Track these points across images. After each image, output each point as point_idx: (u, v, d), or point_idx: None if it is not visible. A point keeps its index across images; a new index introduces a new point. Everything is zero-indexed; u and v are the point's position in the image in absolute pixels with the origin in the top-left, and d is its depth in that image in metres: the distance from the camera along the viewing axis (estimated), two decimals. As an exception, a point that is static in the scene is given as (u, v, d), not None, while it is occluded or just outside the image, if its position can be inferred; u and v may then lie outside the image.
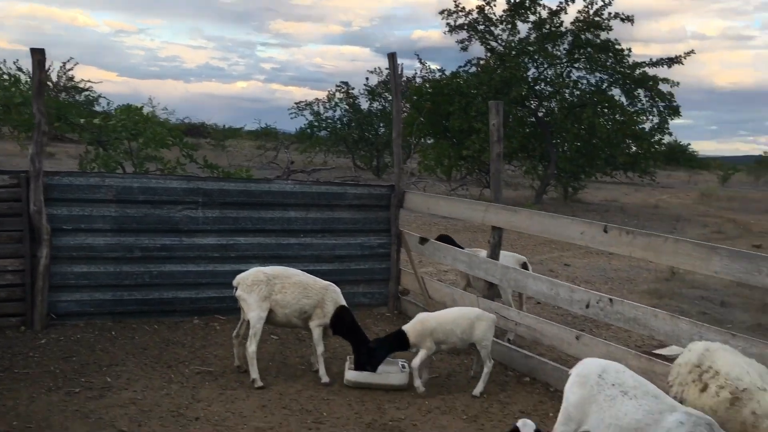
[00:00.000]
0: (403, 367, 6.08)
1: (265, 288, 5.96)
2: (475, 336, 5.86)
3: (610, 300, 5.63)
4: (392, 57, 8.00)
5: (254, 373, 5.82)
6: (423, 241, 7.97)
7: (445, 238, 8.05)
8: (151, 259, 7.39)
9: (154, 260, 7.41)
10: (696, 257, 4.99)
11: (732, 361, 4.20)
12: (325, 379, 5.97)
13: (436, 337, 5.79)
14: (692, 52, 22.14)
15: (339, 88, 32.06)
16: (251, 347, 5.83)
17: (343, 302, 6.19)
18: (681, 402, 4.16)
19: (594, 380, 4.08)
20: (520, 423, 4.08)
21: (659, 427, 3.70)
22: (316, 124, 32.29)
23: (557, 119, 22.99)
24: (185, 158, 11.98)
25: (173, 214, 7.43)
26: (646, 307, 5.45)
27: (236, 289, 6.02)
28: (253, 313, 5.92)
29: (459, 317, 5.93)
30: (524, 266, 7.30)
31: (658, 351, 7.38)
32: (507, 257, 7.16)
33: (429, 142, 27.66)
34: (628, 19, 22.37)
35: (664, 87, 22.51)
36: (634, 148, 24.49)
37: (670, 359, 7.04)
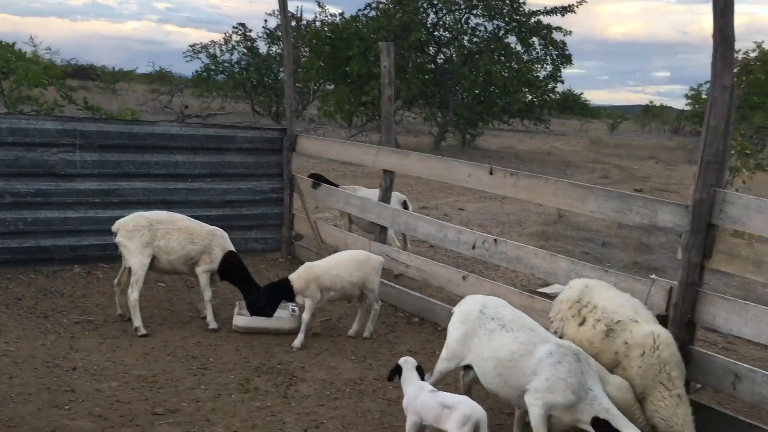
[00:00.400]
0: (293, 311, 6.05)
1: (147, 233, 5.74)
2: (362, 279, 5.85)
3: (495, 240, 5.77)
4: (282, -5, 7.73)
5: (137, 321, 5.63)
6: (315, 185, 7.89)
7: (316, 177, 7.99)
8: (24, 205, 6.94)
9: (29, 206, 6.97)
10: (574, 197, 5.17)
11: (609, 296, 4.42)
12: (213, 324, 5.87)
13: (322, 283, 5.69)
14: (584, 1, 22.70)
15: (236, 31, 30.90)
16: (133, 295, 5.63)
17: (231, 247, 6.05)
18: (561, 336, 4.36)
19: (475, 315, 4.20)
20: (401, 360, 4.14)
21: (532, 357, 3.86)
22: (212, 67, 31.09)
23: (455, 66, 23.16)
24: (64, 99, 11.25)
25: (48, 158, 6.98)
26: (528, 247, 5.63)
27: (116, 235, 5.78)
28: (135, 259, 5.71)
29: (345, 261, 5.90)
30: (404, 205, 7.43)
31: (541, 289, 7.70)
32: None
33: (329, 87, 27.28)
34: (525, -34, 22.64)
35: (557, 36, 23.07)
36: (529, 97, 25.06)
37: (552, 297, 7.37)
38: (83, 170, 7.14)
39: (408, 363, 4.11)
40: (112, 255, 7.08)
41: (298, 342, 5.59)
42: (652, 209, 4.69)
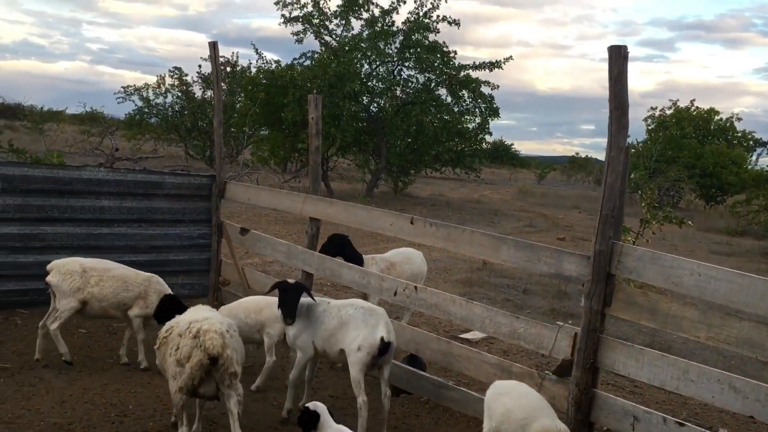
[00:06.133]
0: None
1: (79, 279, 5.89)
2: (260, 323, 5.91)
3: (415, 288, 5.98)
4: (213, 46, 7.91)
5: (63, 348, 5.85)
6: (244, 231, 7.98)
7: (340, 238, 7.20)
8: (-59, 250, 6.80)
9: (-54, 251, 6.83)
10: (487, 247, 5.45)
11: None
12: (144, 364, 6.00)
13: None
14: (510, 58, 23.71)
15: (171, 74, 30.76)
16: (53, 325, 5.81)
17: (168, 291, 6.21)
18: None
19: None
20: (311, 405, 4.25)
21: None
22: (146, 110, 30.78)
23: (388, 116, 23.69)
24: (-12, 141, 11.04)
25: (-32, 201, 6.88)
26: (445, 294, 5.85)
27: (49, 274, 5.91)
28: (64, 300, 5.84)
29: (248, 303, 6.03)
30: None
31: (463, 335, 7.96)
32: None
33: (263, 132, 27.40)
34: (455, 22, 23.54)
35: (485, 89, 23.93)
36: (462, 146, 25.71)
37: (473, 342, 7.63)
38: (5, 214, 7.04)
39: (319, 407, 4.22)
40: (32, 301, 7.04)
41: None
42: (558, 259, 5.00)
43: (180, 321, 4.61)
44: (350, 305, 5.27)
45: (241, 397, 4.51)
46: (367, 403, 4.91)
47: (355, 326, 5.08)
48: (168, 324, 4.71)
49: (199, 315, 4.61)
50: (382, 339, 4.97)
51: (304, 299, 5.35)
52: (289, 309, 5.21)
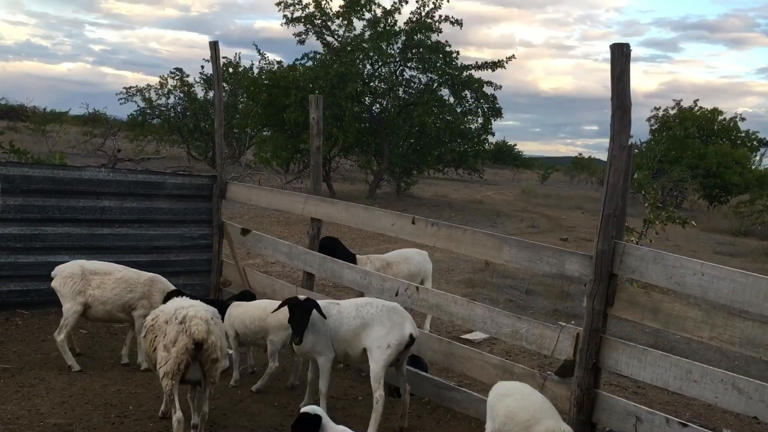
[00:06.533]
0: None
1: (80, 282, 5.87)
2: (265, 329, 5.85)
3: (417, 288, 5.95)
4: (214, 46, 7.89)
5: (69, 360, 5.81)
6: (245, 232, 7.96)
7: (331, 241, 7.17)
8: (-59, 250, 6.79)
9: (-55, 251, 6.82)
10: (489, 247, 5.42)
11: None
12: (145, 365, 5.93)
13: (232, 323, 5.84)
14: (513, 57, 23.65)
15: (173, 75, 30.73)
16: (59, 336, 5.78)
17: (171, 287, 6.18)
18: None
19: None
20: (309, 409, 4.18)
21: None
22: (148, 111, 30.75)
23: (391, 116, 23.64)
24: (-11, 142, 11.03)
25: (-32, 202, 6.87)
26: (447, 294, 5.82)
27: (53, 279, 5.94)
28: (66, 305, 5.85)
29: (255, 310, 5.94)
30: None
31: (464, 336, 7.92)
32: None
33: (267, 133, 27.38)
34: (458, 22, 23.50)
35: (488, 89, 23.86)
36: (464, 147, 25.64)
37: (475, 343, 7.59)
38: (5, 215, 7.03)
39: (318, 410, 4.15)
40: (33, 301, 7.03)
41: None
42: (560, 259, 4.97)
43: (165, 309, 4.66)
44: (368, 304, 5.27)
45: (216, 379, 4.65)
46: (383, 398, 4.92)
47: (381, 325, 5.09)
48: (153, 312, 4.75)
49: (184, 303, 4.68)
50: (410, 336, 5.08)
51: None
52: (299, 328, 5.10)
